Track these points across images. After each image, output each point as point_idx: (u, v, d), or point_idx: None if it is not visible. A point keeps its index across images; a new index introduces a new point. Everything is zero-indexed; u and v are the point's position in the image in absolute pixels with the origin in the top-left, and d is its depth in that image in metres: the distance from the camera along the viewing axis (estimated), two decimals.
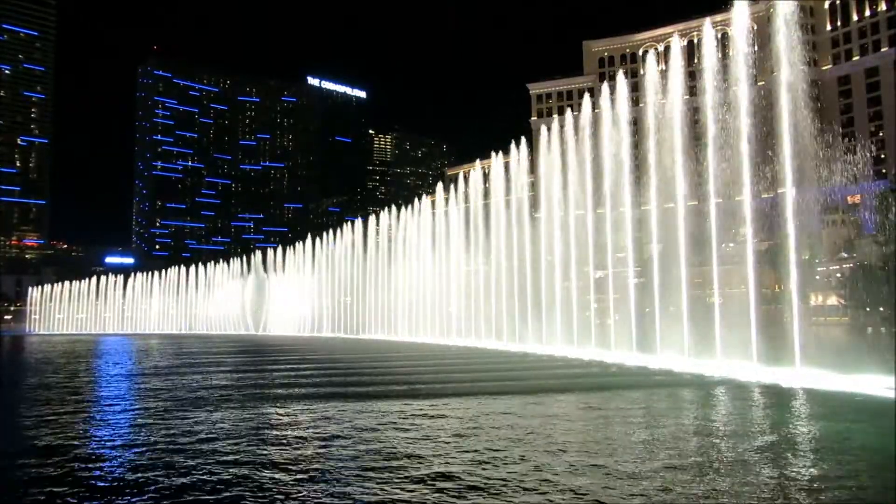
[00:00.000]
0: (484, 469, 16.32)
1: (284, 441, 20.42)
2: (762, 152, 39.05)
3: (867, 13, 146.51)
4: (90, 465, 17.66)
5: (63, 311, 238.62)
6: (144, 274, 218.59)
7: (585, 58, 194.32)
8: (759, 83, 40.32)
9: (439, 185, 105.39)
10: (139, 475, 16.30)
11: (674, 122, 46.89)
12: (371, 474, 16.01)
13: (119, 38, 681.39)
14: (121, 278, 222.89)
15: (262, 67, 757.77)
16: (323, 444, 20.00)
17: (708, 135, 42.52)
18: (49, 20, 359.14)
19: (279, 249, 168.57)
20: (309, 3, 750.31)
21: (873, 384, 28.54)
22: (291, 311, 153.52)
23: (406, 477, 15.70)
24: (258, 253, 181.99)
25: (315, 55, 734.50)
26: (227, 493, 14.58)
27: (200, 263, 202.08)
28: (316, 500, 14.05)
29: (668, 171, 47.06)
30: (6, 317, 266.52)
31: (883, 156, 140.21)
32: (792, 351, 34.53)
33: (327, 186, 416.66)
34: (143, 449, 19.50)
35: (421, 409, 26.39)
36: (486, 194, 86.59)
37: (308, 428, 22.83)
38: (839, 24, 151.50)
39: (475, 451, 18.40)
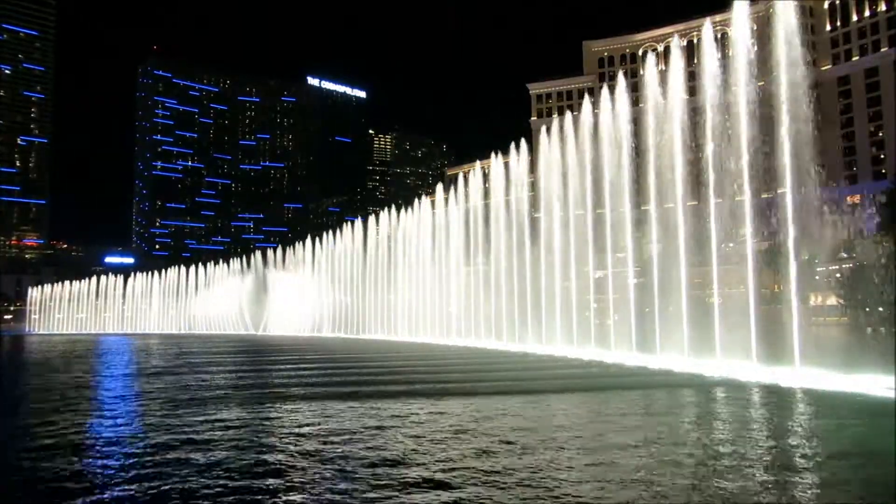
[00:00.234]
0: (483, 469, 16.32)
1: (285, 441, 20.43)
2: (762, 152, 39.04)
3: (867, 13, 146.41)
4: (90, 466, 17.70)
5: (63, 311, 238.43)
6: (144, 274, 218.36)
7: (585, 58, 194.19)
8: (760, 83, 40.27)
9: (439, 186, 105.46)
10: (139, 474, 16.33)
11: (674, 122, 46.93)
12: (367, 472, 16.02)
13: (119, 38, 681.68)
14: (121, 278, 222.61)
15: (262, 67, 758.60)
16: (322, 443, 20.00)
17: (708, 135, 42.56)
18: (49, 20, 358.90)
19: (279, 249, 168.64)
20: (309, 3, 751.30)
21: (873, 384, 28.56)
22: (291, 311, 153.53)
23: (404, 477, 15.72)
24: (258, 253, 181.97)
25: (315, 55, 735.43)
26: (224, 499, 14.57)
27: (200, 263, 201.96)
28: (316, 501, 14.06)
29: (668, 171, 47.09)
30: (6, 316, 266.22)
31: (882, 156, 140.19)
32: (791, 351, 34.56)
33: (327, 186, 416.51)
34: (144, 449, 19.52)
35: (421, 409, 26.41)
36: (486, 194, 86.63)
37: (305, 426, 22.84)
38: (839, 24, 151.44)
39: (474, 450, 18.42)
